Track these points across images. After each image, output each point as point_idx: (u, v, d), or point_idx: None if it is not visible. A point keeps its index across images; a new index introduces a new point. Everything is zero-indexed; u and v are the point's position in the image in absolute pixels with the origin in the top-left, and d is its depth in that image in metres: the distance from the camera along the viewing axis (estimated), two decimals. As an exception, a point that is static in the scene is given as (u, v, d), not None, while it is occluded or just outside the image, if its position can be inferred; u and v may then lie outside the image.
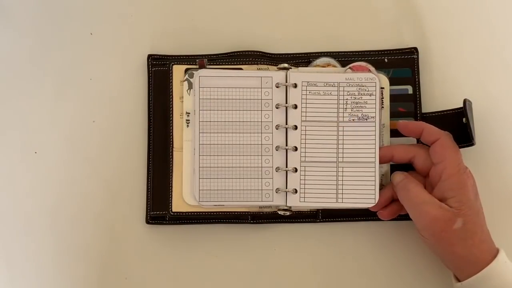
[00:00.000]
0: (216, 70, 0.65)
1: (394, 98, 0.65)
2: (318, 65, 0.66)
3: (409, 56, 0.67)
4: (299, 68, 0.65)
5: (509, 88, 0.68)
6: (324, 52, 0.67)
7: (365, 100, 0.63)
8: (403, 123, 0.62)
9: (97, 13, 0.69)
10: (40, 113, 0.68)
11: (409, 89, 0.66)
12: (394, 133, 0.63)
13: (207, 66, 0.65)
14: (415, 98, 0.66)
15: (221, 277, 0.66)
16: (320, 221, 0.66)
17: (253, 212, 0.65)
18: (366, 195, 0.63)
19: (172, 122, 0.65)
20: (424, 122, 0.63)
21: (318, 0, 0.69)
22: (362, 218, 0.66)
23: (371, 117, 0.63)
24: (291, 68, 0.65)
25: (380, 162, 0.63)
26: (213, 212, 0.64)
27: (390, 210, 0.63)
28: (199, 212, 0.64)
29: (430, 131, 0.61)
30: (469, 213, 0.58)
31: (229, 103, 0.64)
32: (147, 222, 0.66)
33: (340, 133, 0.63)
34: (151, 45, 0.69)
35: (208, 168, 0.64)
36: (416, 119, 0.66)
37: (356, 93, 0.63)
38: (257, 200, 0.64)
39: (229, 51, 0.67)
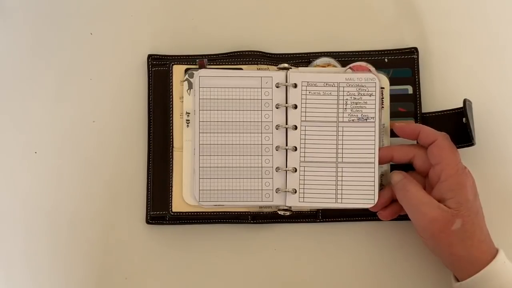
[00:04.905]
0: (216, 70, 0.65)
1: (394, 98, 0.65)
2: (318, 65, 0.66)
3: (409, 56, 0.67)
4: (299, 68, 0.65)
5: (509, 88, 0.68)
6: (324, 52, 0.67)
7: (365, 100, 0.63)
8: (400, 126, 0.62)
9: (97, 13, 0.69)
10: (40, 113, 0.68)
11: (409, 89, 0.66)
12: (394, 133, 0.63)
13: (207, 66, 0.65)
14: (415, 98, 0.66)
15: (221, 277, 0.66)
16: (320, 221, 0.66)
17: (253, 212, 0.65)
18: (366, 196, 0.63)
19: (172, 122, 0.65)
20: (420, 124, 0.63)
21: (318, 0, 0.69)
22: (362, 218, 0.66)
23: (371, 117, 0.63)
24: (291, 68, 0.64)
25: (380, 163, 0.63)
26: (213, 212, 0.64)
27: (390, 210, 0.63)
28: (199, 212, 0.64)
29: (427, 133, 0.60)
30: (468, 213, 0.58)
31: (229, 103, 0.64)
32: (147, 222, 0.66)
33: (340, 133, 0.63)
34: (151, 45, 0.69)
35: (208, 168, 0.64)
36: (416, 119, 0.66)
37: (356, 93, 0.63)
38: (257, 200, 0.64)
39: (229, 51, 0.67)
